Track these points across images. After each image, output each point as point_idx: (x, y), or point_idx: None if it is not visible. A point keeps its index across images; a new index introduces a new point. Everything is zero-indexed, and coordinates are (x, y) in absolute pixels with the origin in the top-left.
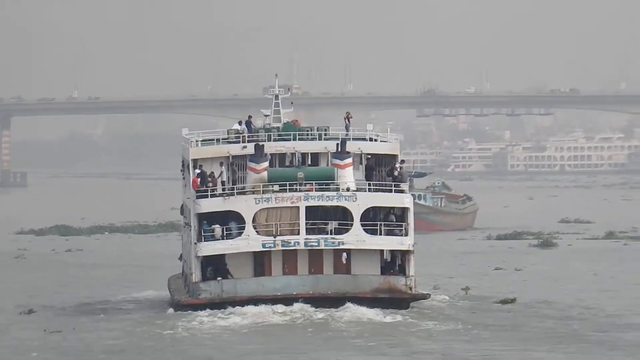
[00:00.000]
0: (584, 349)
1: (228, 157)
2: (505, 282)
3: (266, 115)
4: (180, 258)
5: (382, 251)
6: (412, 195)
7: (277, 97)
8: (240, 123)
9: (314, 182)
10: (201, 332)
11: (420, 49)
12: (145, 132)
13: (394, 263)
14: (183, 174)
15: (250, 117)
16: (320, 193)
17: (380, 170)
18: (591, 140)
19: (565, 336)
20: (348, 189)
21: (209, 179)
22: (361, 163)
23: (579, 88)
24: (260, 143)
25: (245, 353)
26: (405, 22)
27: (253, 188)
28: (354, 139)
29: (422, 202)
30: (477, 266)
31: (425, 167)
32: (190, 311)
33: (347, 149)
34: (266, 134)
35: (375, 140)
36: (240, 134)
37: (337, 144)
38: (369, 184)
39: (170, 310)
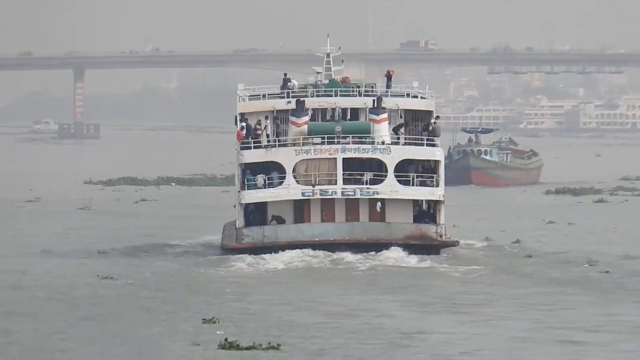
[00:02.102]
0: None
1: (273, 111)
2: (552, 235)
3: (318, 73)
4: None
5: (415, 201)
6: (479, 150)
7: (328, 55)
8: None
9: (351, 135)
10: (232, 275)
11: (492, 5)
12: (217, 86)
13: (428, 212)
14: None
15: (285, 74)
16: (356, 146)
17: (416, 125)
18: None
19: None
20: (383, 142)
21: (258, 126)
22: (400, 117)
23: None
24: (302, 99)
25: (268, 295)
26: None
27: (294, 140)
28: (392, 96)
29: (488, 157)
30: (531, 220)
31: (498, 123)
32: (231, 255)
33: (384, 105)
34: (311, 89)
35: (415, 97)
36: (288, 89)
37: (374, 100)
38: (398, 138)
39: (214, 255)
